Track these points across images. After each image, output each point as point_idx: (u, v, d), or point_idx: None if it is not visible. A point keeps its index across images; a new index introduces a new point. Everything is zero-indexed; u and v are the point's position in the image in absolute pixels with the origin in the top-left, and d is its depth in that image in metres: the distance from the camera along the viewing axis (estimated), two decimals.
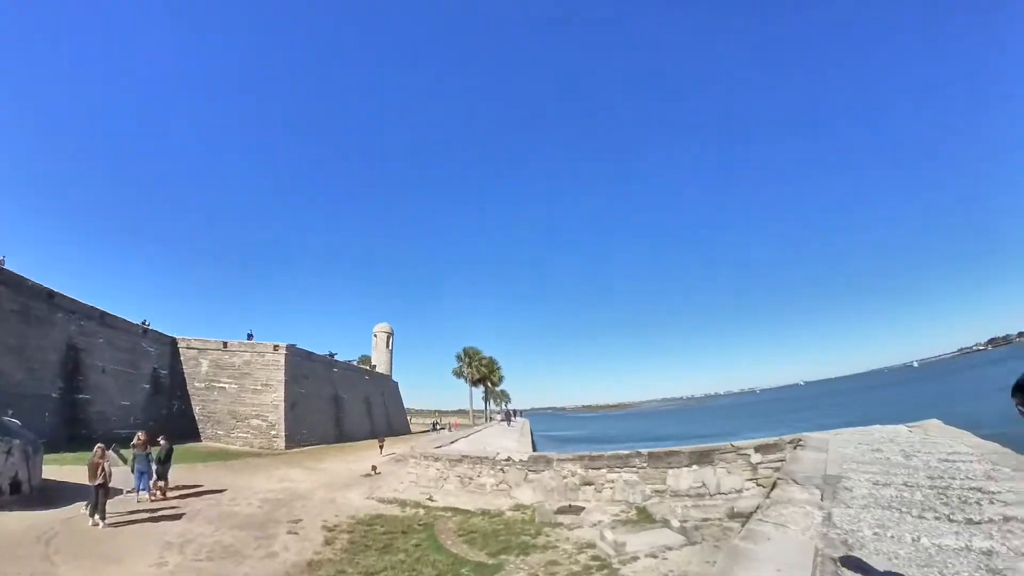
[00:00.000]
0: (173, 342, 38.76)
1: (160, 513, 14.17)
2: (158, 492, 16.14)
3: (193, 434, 35.67)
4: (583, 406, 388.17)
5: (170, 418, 35.06)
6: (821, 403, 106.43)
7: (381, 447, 32.78)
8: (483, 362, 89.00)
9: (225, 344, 39.85)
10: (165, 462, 16.74)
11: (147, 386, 34.87)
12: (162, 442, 17.05)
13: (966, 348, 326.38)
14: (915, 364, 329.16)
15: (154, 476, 16.21)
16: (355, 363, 64.15)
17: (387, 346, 75.25)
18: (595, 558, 10.23)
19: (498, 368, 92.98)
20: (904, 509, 6.09)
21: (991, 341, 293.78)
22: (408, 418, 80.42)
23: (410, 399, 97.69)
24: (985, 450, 10.00)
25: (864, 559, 4.52)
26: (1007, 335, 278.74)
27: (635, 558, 9.81)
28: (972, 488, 6.86)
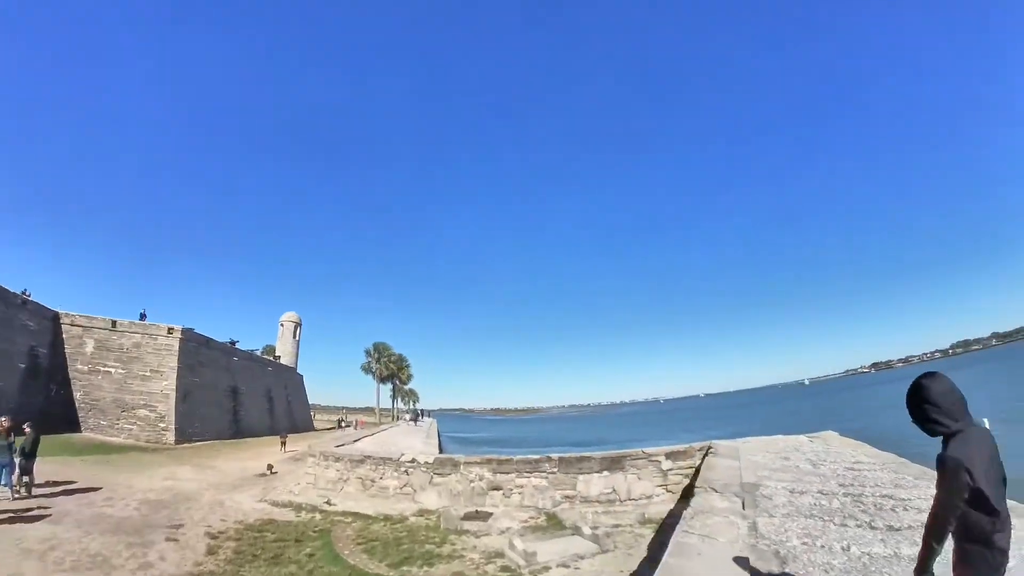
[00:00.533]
0: (56, 317, 34.37)
1: (22, 514, 12.26)
2: (22, 489, 14.10)
3: (73, 423, 31.70)
4: (492, 409, 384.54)
5: (48, 404, 30.97)
6: (722, 413, 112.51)
7: (283, 444, 30.77)
8: (392, 358, 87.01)
9: (114, 323, 35.90)
10: (30, 454, 14.63)
11: (23, 366, 30.54)
12: (27, 430, 14.86)
13: (851, 370, 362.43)
14: (806, 382, 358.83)
15: (17, 470, 14.11)
16: (258, 353, 60.29)
17: (294, 336, 70.80)
18: (504, 568, 9.60)
19: (407, 365, 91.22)
20: (826, 517, 5.92)
21: (874, 365, 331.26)
22: (313, 414, 76.67)
23: (316, 395, 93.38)
24: (885, 459, 10.38)
25: (801, 573, 4.17)
26: (888, 360, 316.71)
27: (546, 568, 9.29)
28: (884, 495, 6.88)
